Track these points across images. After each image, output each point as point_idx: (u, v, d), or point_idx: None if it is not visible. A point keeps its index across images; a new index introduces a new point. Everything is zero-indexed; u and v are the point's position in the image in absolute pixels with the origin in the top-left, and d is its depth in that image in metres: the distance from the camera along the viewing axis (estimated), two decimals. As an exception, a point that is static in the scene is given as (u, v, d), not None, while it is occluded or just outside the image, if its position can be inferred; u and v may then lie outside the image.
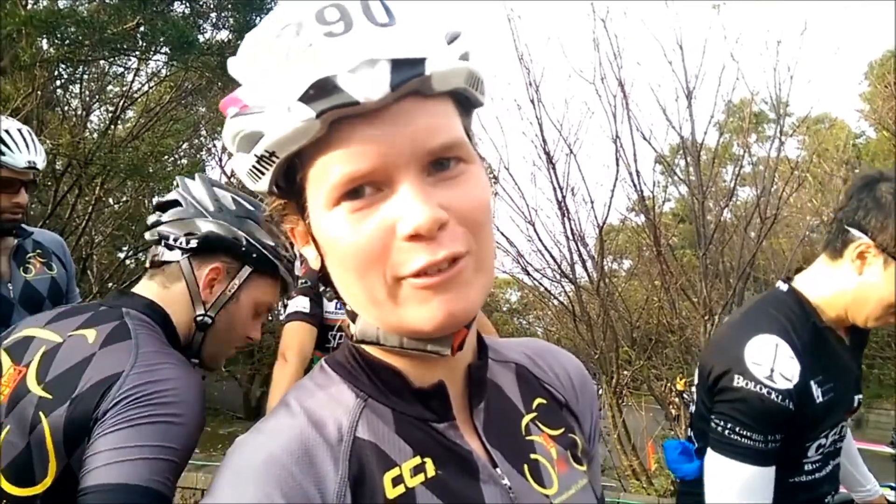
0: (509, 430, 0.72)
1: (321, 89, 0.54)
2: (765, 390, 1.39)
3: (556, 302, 6.88)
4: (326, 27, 0.56)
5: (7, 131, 2.07)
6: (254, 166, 0.61)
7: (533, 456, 0.72)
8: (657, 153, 5.70)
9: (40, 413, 1.06)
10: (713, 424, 1.46)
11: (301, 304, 2.27)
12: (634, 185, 5.48)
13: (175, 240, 1.26)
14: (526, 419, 0.75)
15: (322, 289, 0.69)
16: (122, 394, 1.05)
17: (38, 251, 2.33)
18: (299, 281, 2.33)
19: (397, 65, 0.55)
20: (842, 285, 1.48)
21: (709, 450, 1.46)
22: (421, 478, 0.63)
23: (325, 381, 0.70)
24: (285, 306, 2.40)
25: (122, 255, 10.59)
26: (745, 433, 1.41)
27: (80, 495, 0.98)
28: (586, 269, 6.04)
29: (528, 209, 6.00)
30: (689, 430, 1.75)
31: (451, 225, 0.58)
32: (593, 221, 5.88)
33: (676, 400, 6.29)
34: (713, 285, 5.25)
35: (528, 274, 6.57)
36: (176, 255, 1.26)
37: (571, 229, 5.78)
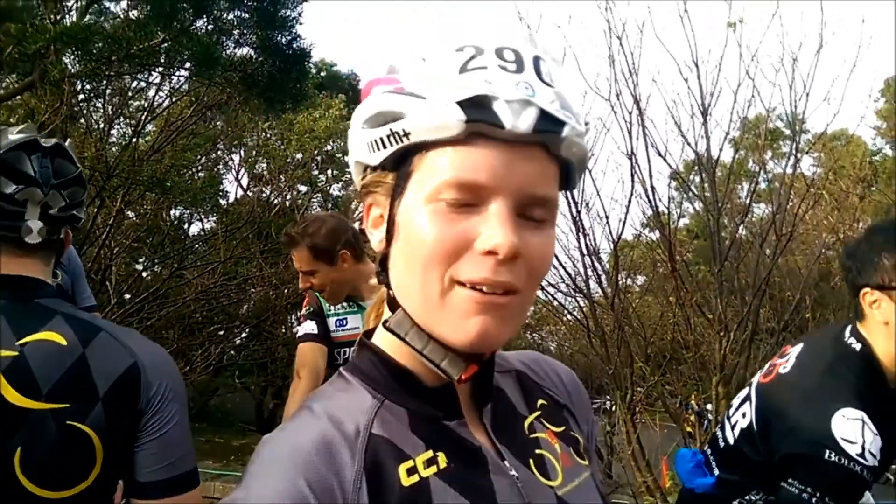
0: (515, 429, 0.79)
1: (479, 103, 0.63)
2: (858, 468, 1.39)
3: (569, 317, 6.88)
4: (502, 62, 0.65)
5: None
6: (382, 138, 0.68)
7: (538, 451, 0.77)
8: (672, 169, 5.72)
9: (69, 422, 1.09)
10: (789, 489, 1.43)
11: (310, 327, 2.49)
12: (649, 201, 5.51)
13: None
14: (530, 419, 0.81)
15: (378, 272, 0.75)
16: (156, 378, 1.17)
17: None
18: (304, 310, 2.60)
19: (544, 115, 0.64)
20: (884, 340, 1.50)
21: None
22: (434, 469, 0.69)
23: (345, 386, 0.76)
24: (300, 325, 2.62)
25: (139, 267, 10.69)
26: (827, 501, 1.38)
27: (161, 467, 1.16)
28: (600, 285, 6.05)
29: (543, 224, 6.02)
30: (708, 447, 1.76)
31: (520, 263, 0.65)
32: (608, 236, 5.90)
33: (691, 417, 6.25)
34: (728, 302, 5.24)
35: (542, 288, 6.59)
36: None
37: (586, 244, 5.80)
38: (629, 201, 5.58)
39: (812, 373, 1.60)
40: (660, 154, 5.48)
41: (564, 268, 6.07)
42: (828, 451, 1.40)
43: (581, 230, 5.78)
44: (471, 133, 0.63)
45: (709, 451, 1.76)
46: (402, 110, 0.66)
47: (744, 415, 1.69)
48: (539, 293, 6.83)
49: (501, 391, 0.81)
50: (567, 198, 5.79)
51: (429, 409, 0.73)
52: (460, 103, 0.63)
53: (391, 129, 0.67)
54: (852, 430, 1.41)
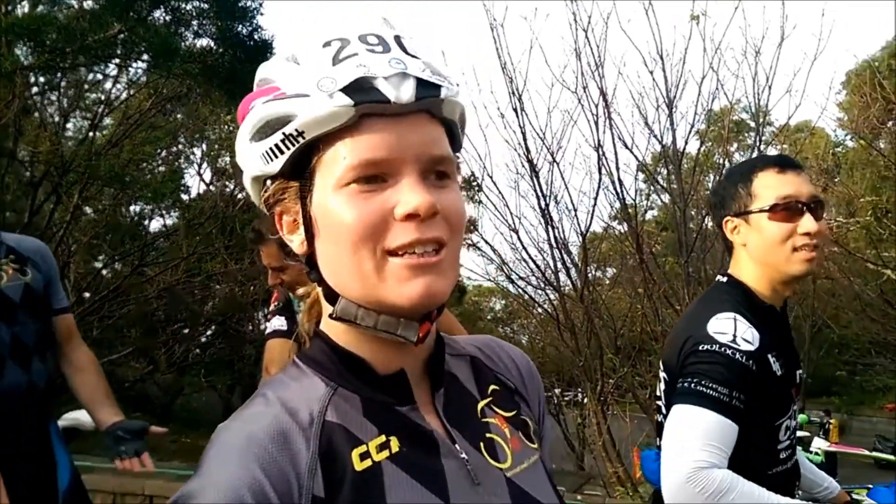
0: (466, 413, 0.81)
1: (360, 86, 0.67)
2: (729, 351, 1.52)
3: (540, 310, 6.89)
4: (369, 46, 0.70)
5: None
6: (276, 145, 0.71)
7: (488, 435, 0.80)
8: (639, 161, 5.75)
9: None
10: (679, 386, 1.52)
11: (279, 323, 2.47)
12: (617, 194, 5.53)
13: None
14: (481, 404, 0.83)
15: (308, 272, 0.77)
16: None
17: (11, 257, 2.28)
18: (273, 305, 2.57)
19: (422, 83, 0.69)
20: (747, 261, 1.70)
21: (675, 405, 1.50)
22: (386, 453, 0.71)
23: (297, 374, 0.78)
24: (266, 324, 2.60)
25: (98, 265, 10.42)
26: (710, 385, 1.47)
27: None
28: (570, 277, 6.06)
29: (512, 217, 6.02)
30: (660, 440, 1.75)
31: (439, 218, 0.69)
32: (577, 229, 5.92)
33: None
34: (695, 293, 5.28)
35: (513, 282, 6.58)
36: None
37: (555, 237, 5.81)
38: (597, 194, 5.60)
39: (689, 309, 1.84)
40: (626, 146, 5.50)
41: (534, 261, 6.08)
42: (702, 345, 1.53)
43: (550, 223, 5.78)
44: (361, 116, 0.67)
45: (660, 442, 1.75)
46: (289, 112, 0.69)
47: (661, 380, 1.77)
48: (510, 286, 6.81)
49: (454, 376, 0.84)
50: (536, 190, 5.79)
51: (381, 396, 0.75)
52: (344, 90, 0.67)
53: (283, 134, 0.70)
54: (724, 325, 1.56)
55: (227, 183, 11.77)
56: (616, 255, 7.32)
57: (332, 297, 0.74)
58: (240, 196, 11.09)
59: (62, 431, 2.44)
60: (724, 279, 1.74)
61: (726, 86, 5.63)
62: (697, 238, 5.47)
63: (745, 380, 1.50)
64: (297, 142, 0.69)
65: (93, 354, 2.50)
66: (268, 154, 0.71)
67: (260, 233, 2.39)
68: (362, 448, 0.70)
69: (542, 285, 6.23)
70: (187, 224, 9.93)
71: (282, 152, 0.71)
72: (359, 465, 0.69)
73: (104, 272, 10.12)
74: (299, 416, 0.71)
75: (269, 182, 0.75)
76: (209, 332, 11.94)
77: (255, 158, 0.73)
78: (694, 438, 1.43)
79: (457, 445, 0.75)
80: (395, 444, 0.72)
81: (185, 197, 12.23)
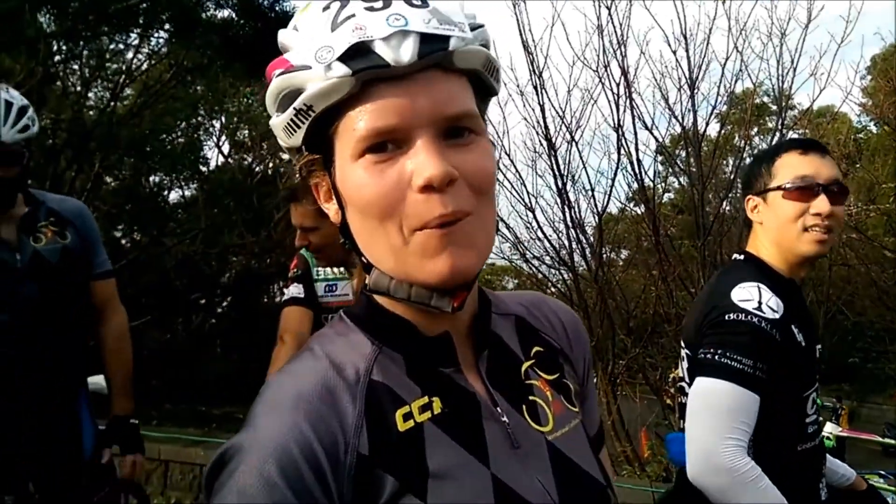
0: (510, 376, 0.80)
1: (358, 52, 0.64)
2: (755, 319, 1.51)
3: (553, 290, 6.90)
4: (367, 3, 0.65)
5: None
6: (292, 119, 0.69)
7: (531, 398, 0.80)
8: (659, 143, 5.71)
9: None
10: (701, 357, 1.52)
11: (296, 290, 2.43)
12: (635, 175, 5.51)
13: None
14: (525, 366, 0.83)
15: (344, 242, 0.76)
16: None
17: (52, 219, 2.31)
18: (292, 272, 2.51)
19: (425, 38, 0.64)
20: (764, 240, 1.72)
21: (698, 378, 1.50)
22: (428, 414, 0.72)
23: (344, 329, 0.78)
24: (283, 294, 2.56)
25: (117, 234, 10.54)
26: (734, 356, 1.47)
27: None
28: (585, 258, 6.06)
29: (528, 196, 6.01)
30: (684, 421, 1.76)
31: (460, 184, 0.66)
32: (593, 210, 5.90)
33: (671, 389, 6.33)
34: (710, 276, 5.27)
35: (527, 261, 6.59)
36: None
37: (571, 217, 5.80)
38: (615, 174, 5.58)
39: (708, 286, 1.82)
40: (646, 127, 5.47)
41: (549, 240, 6.08)
42: (726, 315, 1.53)
43: (566, 203, 5.77)
44: (365, 82, 0.65)
45: (683, 423, 1.76)
46: (296, 85, 0.67)
47: (682, 359, 1.77)
48: (523, 265, 6.83)
49: (498, 337, 0.83)
50: (553, 170, 5.77)
51: (425, 357, 0.75)
52: (341, 58, 0.64)
53: (295, 109, 0.68)
54: (748, 292, 1.57)
55: (245, 156, 11.82)
56: (632, 237, 7.30)
57: (368, 267, 0.74)
58: (257, 169, 11.16)
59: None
60: (742, 256, 1.76)
61: (750, 67, 5.56)
62: (715, 221, 5.45)
63: (770, 349, 1.50)
64: (309, 116, 0.68)
65: (126, 325, 2.54)
66: (288, 128, 0.71)
67: (294, 191, 2.36)
68: (405, 408, 0.71)
69: (557, 265, 6.23)
70: (206, 196, 10.00)
71: (299, 126, 0.70)
72: (402, 426, 0.70)
73: (123, 242, 10.25)
74: (346, 372, 0.72)
75: (298, 155, 0.75)
76: (225, 303, 12.06)
77: (280, 132, 0.72)
78: (720, 415, 1.43)
79: (498, 408, 0.75)
80: (437, 406, 0.72)
81: (203, 169, 12.31)
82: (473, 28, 0.69)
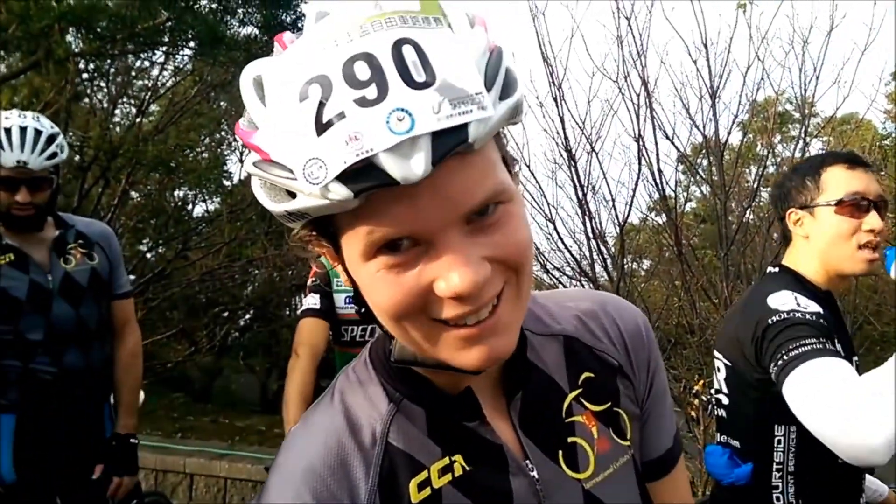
0: (548, 416, 0.74)
1: (359, 168, 0.52)
2: (798, 314, 1.50)
3: (575, 300, 6.85)
4: (358, 91, 0.51)
5: (7, 130, 2.11)
6: (285, 215, 0.60)
7: (570, 439, 0.74)
8: (680, 152, 5.67)
9: None
10: (775, 363, 1.46)
11: (312, 301, 2.39)
12: (656, 185, 5.47)
13: None
14: (569, 398, 0.76)
15: (358, 310, 0.69)
16: None
17: (80, 241, 2.38)
18: (310, 281, 2.48)
19: (438, 136, 0.51)
20: (807, 254, 1.69)
21: (785, 382, 1.42)
22: (448, 477, 0.67)
23: (366, 378, 0.74)
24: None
25: (143, 248, 10.69)
26: (804, 342, 1.43)
27: None
28: (606, 268, 6.02)
29: (549, 207, 6.00)
30: (721, 433, 1.75)
31: (492, 273, 0.58)
32: (614, 220, 5.87)
33: (695, 402, 6.25)
34: (734, 286, 5.22)
35: (548, 272, 6.57)
36: None
37: (592, 228, 5.77)
38: (636, 184, 5.55)
39: (742, 299, 1.82)
40: (667, 137, 5.44)
41: (570, 251, 6.05)
42: (770, 319, 1.51)
43: (587, 213, 5.75)
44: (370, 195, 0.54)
45: (723, 437, 1.75)
46: (283, 187, 0.57)
47: (718, 369, 1.77)
48: (543, 276, 6.82)
49: (538, 368, 0.76)
50: (573, 181, 5.76)
51: (448, 412, 0.71)
52: (339, 178, 0.52)
53: (287, 211, 0.58)
54: (783, 298, 1.56)
55: (267, 170, 11.90)
56: (653, 247, 7.24)
57: (390, 335, 0.68)
58: (279, 183, 11.23)
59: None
60: (776, 269, 1.75)
61: (772, 76, 5.52)
62: (738, 231, 5.39)
63: (825, 329, 1.47)
64: (305, 218, 0.59)
65: (140, 345, 2.60)
66: (282, 217, 0.61)
67: None
68: (422, 475, 0.67)
69: (578, 276, 6.20)
70: (229, 210, 10.10)
71: (294, 221, 0.61)
72: (415, 497, 0.66)
73: (149, 255, 10.38)
74: (361, 434, 0.68)
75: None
76: (248, 316, 12.15)
77: (271, 209, 0.61)
78: (828, 380, 1.36)
79: (528, 461, 0.71)
80: (458, 466, 0.68)
81: (227, 183, 12.46)
82: (492, 77, 0.55)
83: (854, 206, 1.61)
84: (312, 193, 0.53)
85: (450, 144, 0.52)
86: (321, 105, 0.52)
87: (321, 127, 0.52)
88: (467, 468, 0.68)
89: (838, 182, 1.65)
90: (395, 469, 0.67)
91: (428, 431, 0.69)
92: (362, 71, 0.51)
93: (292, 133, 0.53)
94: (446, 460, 0.68)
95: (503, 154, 0.63)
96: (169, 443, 5.97)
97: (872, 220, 1.60)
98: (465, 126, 0.52)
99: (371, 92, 0.51)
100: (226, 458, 5.12)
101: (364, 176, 0.52)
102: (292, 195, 0.56)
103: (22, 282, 2.21)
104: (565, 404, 0.76)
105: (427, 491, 0.66)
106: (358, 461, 0.67)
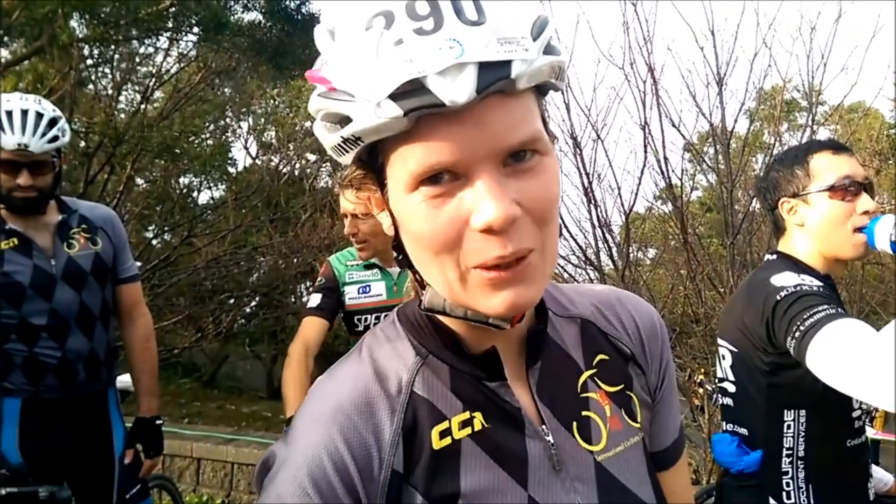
0: (564, 388, 0.77)
1: (411, 88, 0.57)
2: (804, 286, 1.52)
3: (579, 289, 6.84)
4: (417, 23, 0.58)
5: (9, 113, 2.10)
6: (339, 144, 0.65)
7: (584, 413, 0.76)
8: (686, 140, 5.64)
9: None
10: (792, 336, 1.45)
11: (314, 300, 2.48)
12: (662, 173, 5.45)
13: None
14: (584, 376, 0.79)
15: (397, 257, 0.73)
16: None
17: (84, 226, 2.38)
18: (318, 281, 2.56)
19: (484, 68, 0.57)
20: (804, 241, 1.71)
21: (807, 352, 1.40)
22: (468, 430, 0.70)
23: (393, 334, 0.77)
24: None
25: (149, 235, 10.71)
26: (816, 309, 1.43)
27: None
28: (611, 257, 6.01)
29: (554, 195, 5.97)
30: (727, 422, 1.75)
31: (522, 220, 0.61)
32: (619, 208, 5.86)
33: (700, 390, 6.26)
34: (740, 275, 5.20)
35: (552, 260, 6.54)
36: None
37: (597, 216, 5.76)
38: (642, 173, 5.53)
39: (746, 282, 1.82)
40: (674, 125, 5.41)
41: (575, 240, 6.04)
42: (777, 296, 1.52)
43: (592, 202, 5.73)
44: (418, 118, 0.59)
45: (729, 426, 1.75)
46: (341, 113, 0.62)
47: (723, 357, 1.77)
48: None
49: (557, 345, 0.79)
50: (579, 169, 5.74)
51: (471, 369, 0.73)
52: (391, 97, 0.58)
53: (342, 137, 0.63)
54: (786, 277, 1.57)
55: (272, 157, 11.92)
56: (659, 236, 7.23)
57: (420, 283, 0.72)
58: (284, 170, 11.25)
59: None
60: (774, 256, 1.77)
61: (779, 63, 5.48)
62: (744, 219, 5.37)
63: (833, 299, 1.49)
64: (357, 145, 0.64)
65: (151, 327, 2.62)
66: (336, 149, 0.67)
67: (345, 176, 2.36)
68: (444, 425, 0.70)
69: (583, 264, 6.20)
70: (234, 197, 10.11)
71: (347, 150, 0.66)
72: (437, 444, 0.69)
73: (154, 242, 10.41)
74: (388, 383, 0.71)
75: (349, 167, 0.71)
76: (253, 303, 12.19)
77: (328, 146, 0.68)
78: (849, 340, 1.34)
79: (544, 426, 0.73)
80: (478, 422, 0.70)
81: (231, 170, 12.46)
82: (538, 32, 0.61)
83: (846, 189, 1.64)
84: (368, 114, 0.59)
85: (494, 77, 0.57)
86: (383, 34, 0.58)
87: (380, 53, 0.58)
88: (486, 425, 0.70)
89: (827, 167, 1.68)
90: (419, 416, 0.70)
91: (451, 386, 0.72)
92: (422, 7, 0.58)
93: (355, 60, 0.60)
94: (467, 414, 0.71)
95: (543, 116, 0.67)
96: (177, 427, 6.00)
97: (865, 201, 1.64)
98: (509, 63, 0.57)
99: (428, 24, 0.57)
100: (232, 443, 5.17)
101: (415, 96, 0.57)
102: (349, 122, 0.62)
103: (26, 266, 2.22)
104: (581, 380, 0.78)
105: (448, 440, 0.69)
106: (384, 405, 0.69)
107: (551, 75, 0.63)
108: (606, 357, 0.81)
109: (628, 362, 0.82)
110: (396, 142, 0.61)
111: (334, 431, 0.67)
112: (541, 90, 0.66)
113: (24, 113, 2.11)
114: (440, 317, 0.73)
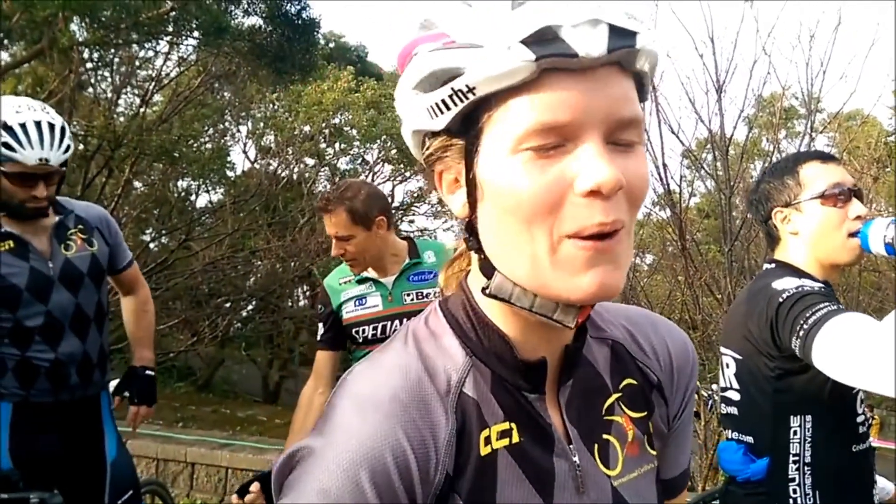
0: (591, 409, 0.75)
1: (544, 36, 0.57)
2: (805, 287, 1.54)
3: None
4: None
5: (23, 125, 2.09)
6: (442, 101, 0.62)
7: (605, 436, 0.74)
8: (685, 147, 5.65)
9: None
10: (796, 335, 1.47)
11: (319, 331, 2.57)
12: (661, 179, 5.45)
13: None
14: (611, 399, 0.77)
15: (467, 238, 0.70)
16: None
17: (80, 227, 2.37)
18: (318, 307, 2.63)
19: (615, 31, 0.58)
20: (799, 249, 1.73)
21: (812, 349, 1.42)
22: (506, 441, 0.68)
23: (438, 329, 0.73)
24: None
25: (146, 238, 10.70)
26: (818, 307, 1.45)
27: None
28: (609, 263, 6.01)
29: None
30: (731, 431, 1.75)
31: (621, 195, 0.60)
32: (618, 214, 5.84)
33: (696, 397, 6.24)
34: (738, 282, 5.21)
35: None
36: None
37: (596, 222, 5.75)
38: (640, 179, 5.52)
39: (746, 289, 1.82)
40: (672, 131, 5.41)
41: (573, 245, 6.03)
42: (780, 298, 1.54)
43: (591, 207, 5.73)
44: (542, 71, 0.57)
45: (734, 434, 1.74)
46: (459, 65, 0.60)
47: (726, 366, 1.76)
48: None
49: (590, 363, 0.77)
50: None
51: (514, 378, 0.70)
52: (524, 41, 0.56)
53: (452, 89, 0.61)
54: (787, 281, 1.59)
55: (270, 161, 11.93)
56: (657, 242, 7.23)
57: (487, 269, 0.68)
58: (282, 174, 11.26)
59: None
60: (772, 265, 1.77)
61: (778, 71, 5.50)
62: (742, 226, 5.38)
63: (830, 296, 1.50)
64: (467, 98, 0.61)
65: (149, 296, 2.73)
66: (433, 109, 0.63)
67: (329, 200, 2.38)
68: (487, 431, 0.67)
69: (581, 270, 6.19)
70: (232, 200, 10.12)
71: (449, 108, 0.62)
72: (483, 450, 0.66)
73: (152, 245, 10.39)
74: (437, 380, 0.68)
75: (428, 138, 0.68)
76: (250, 307, 12.18)
77: (418, 112, 0.65)
78: (853, 334, 1.35)
79: (571, 446, 0.71)
80: (515, 434, 0.68)
81: (230, 174, 12.48)
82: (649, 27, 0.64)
83: (836, 196, 1.67)
84: (496, 59, 0.58)
85: (623, 43, 0.58)
86: None
87: (516, 3, 0.58)
88: (521, 438, 0.69)
89: (817, 176, 1.71)
90: (469, 418, 0.67)
91: (492, 393, 0.69)
92: None
93: (486, 14, 0.60)
94: (506, 424, 0.68)
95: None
96: (170, 432, 5.99)
97: (857, 207, 1.66)
98: (635, 34, 0.59)
99: None
100: (227, 447, 5.13)
101: (547, 44, 0.57)
102: (460, 76, 0.60)
103: (22, 269, 2.20)
104: (607, 403, 0.76)
105: (489, 448, 0.67)
106: (437, 403, 0.66)
107: (651, 69, 0.64)
108: (634, 382, 0.79)
109: (653, 390, 0.81)
110: (511, 97, 0.59)
111: (395, 423, 0.62)
112: (638, 89, 0.65)
113: (38, 125, 2.09)
114: (495, 317, 0.70)
